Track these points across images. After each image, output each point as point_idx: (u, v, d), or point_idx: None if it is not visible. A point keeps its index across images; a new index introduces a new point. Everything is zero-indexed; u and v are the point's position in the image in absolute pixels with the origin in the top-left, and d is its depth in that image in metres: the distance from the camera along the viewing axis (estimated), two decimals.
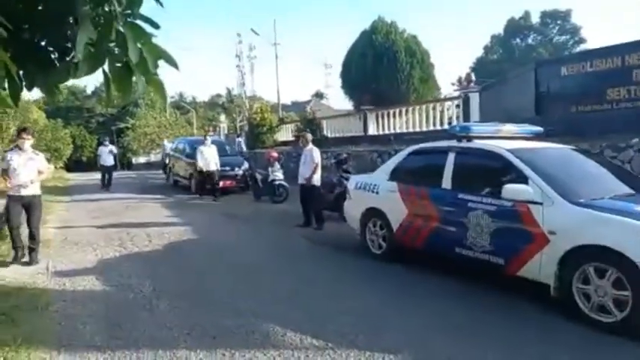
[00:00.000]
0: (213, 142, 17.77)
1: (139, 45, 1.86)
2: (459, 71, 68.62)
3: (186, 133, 36.02)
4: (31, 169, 5.84)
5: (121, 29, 1.84)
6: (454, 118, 12.03)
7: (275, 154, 12.06)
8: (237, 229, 8.25)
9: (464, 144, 5.07)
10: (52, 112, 40.13)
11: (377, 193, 5.93)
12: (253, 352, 3.32)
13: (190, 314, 4.09)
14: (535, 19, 45.16)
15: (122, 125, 42.30)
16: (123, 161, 49.78)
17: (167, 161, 17.93)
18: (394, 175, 5.81)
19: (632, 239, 3.33)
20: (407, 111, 13.42)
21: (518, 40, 45.98)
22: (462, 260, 4.74)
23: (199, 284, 5.00)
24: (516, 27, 45.28)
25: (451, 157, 5.06)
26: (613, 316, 3.44)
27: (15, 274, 5.37)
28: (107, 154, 15.71)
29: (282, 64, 58.60)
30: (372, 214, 5.98)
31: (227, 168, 13.74)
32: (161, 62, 1.84)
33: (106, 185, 15.49)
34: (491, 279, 4.62)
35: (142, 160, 36.76)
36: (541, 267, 3.93)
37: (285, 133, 19.97)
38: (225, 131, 26.14)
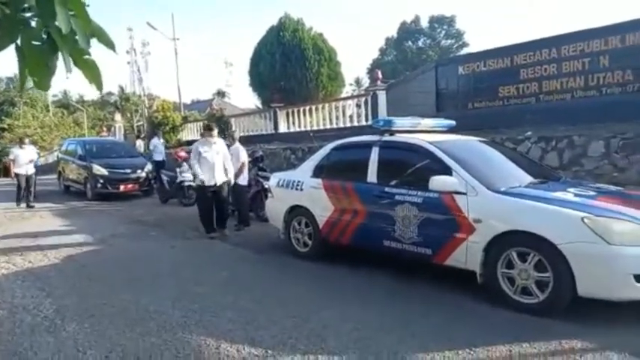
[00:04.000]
0: (109, 143, 16.33)
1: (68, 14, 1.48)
2: (357, 72, 71.01)
3: (75, 134, 33.00)
4: None
5: None
6: (362, 115, 12.31)
7: (183, 154, 11.40)
8: (145, 236, 7.60)
9: (387, 138, 5.14)
10: None
11: (301, 190, 5.79)
12: None
13: (106, 334, 3.60)
14: (424, 23, 48.21)
15: None
16: None
17: (12, 167, 11.79)
18: (318, 171, 5.73)
19: (551, 223, 3.57)
20: (317, 109, 13.49)
21: (410, 42, 48.66)
22: (390, 253, 4.78)
23: (111, 299, 4.44)
24: (408, 30, 47.92)
25: (375, 151, 5.09)
26: (535, 297, 3.66)
27: None
28: (26, 160, 11.66)
29: (180, 62, 55.96)
30: (297, 211, 5.84)
31: (128, 170, 12.79)
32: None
33: (24, 198, 11.54)
34: (421, 271, 4.73)
35: None
36: (467, 255, 4.07)
37: (190, 132, 19.07)
38: (122, 131, 24.29)
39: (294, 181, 5.93)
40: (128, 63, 24.36)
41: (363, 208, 5.01)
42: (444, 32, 48.94)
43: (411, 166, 4.78)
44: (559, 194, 3.91)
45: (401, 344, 3.27)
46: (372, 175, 5.02)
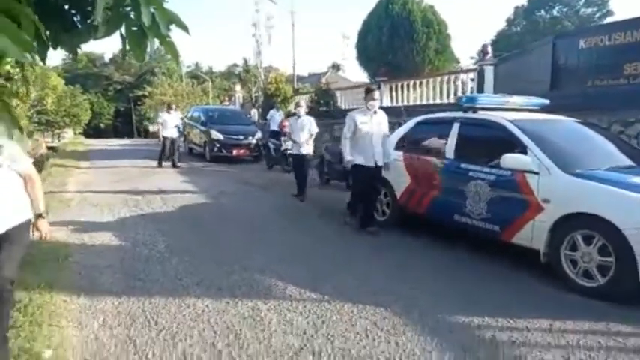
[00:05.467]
0: (228, 111, 17.84)
1: (151, 9, 2.03)
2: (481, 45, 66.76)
3: (202, 101, 36.32)
4: None
5: None
6: (468, 90, 11.96)
7: (287, 124, 12.19)
8: (248, 195, 8.51)
9: (468, 115, 5.18)
10: (70, 79, 40.63)
11: None
12: (255, 302, 3.59)
13: (200, 269, 4.37)
14: None
15: (139, 93, 42.67)
16: (140, 129, 50.60)
17: (160, 132, 13.08)
18: (400, 144, 5.96)
19: (618, 207, 3.47)
20: (421, 83, 13.36)
21: (542, 11, 44.51)
22: (460, 227, 4.91)
23: (210, 243, 5.28)
24: None
25: (455, 128, 5.18)
26: (596, 281, 3.61)
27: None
28: (172, 124, 12.72)
29: (300, 35, 57.89)
30: None
31: (241, 137, 14.03)
32: (174, 26, 2.03)
33: (167, 159, 12.53)
34: (496, 247, 4.80)
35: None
36: (533, 234, 4.09)
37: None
38: (241, 101, 26.26)
39: None
40: (253, 36, 25.50)
41: (438, 182, 5.17)
42: None
43: (487, 143, 4.82)
44: (638, 179, 3.72)
45: (448, 306, 3.51)
46: (449, 151, 5.14)
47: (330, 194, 8.64)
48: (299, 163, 8.30)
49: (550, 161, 4.09)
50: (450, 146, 5.15)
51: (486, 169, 4.58)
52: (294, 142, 8.31)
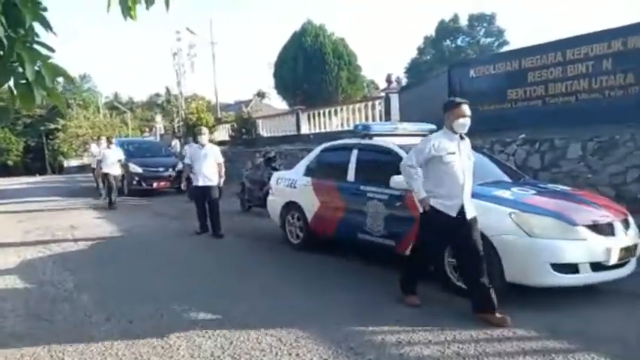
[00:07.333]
0: (146, 143, 17.51)
1: (38, 64, 2.23)
2: (398, 72, 70.77)
3: (122, 134, 35.05)
4: None
5: (20, 52, 2.19)
6: (377, 117, 12.78)
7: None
8: (163, 228, 8.47)
9: (365, 141, 5.69)
10: None
11: (294, 187, 6.44)
12: (165, 331, 3.71)
13: (111, 304, 4.37)
14: (464, 21, 47.74)
15: (52, 126, 40.23)
16: (54, 165, 47.51)
17: (99, 166, 12.31)
18: (308, 170, 6.36)
19: (484, 217, 4.01)
20: (335, 111, 14.08)
21: (448, 41, 48.32)
22: (364, 244, 5.34)
23: (122, 277, 5.27)
24: (446, 29, 47.60)
25: (354, 153, 5.66)
26: None
27: None
28: (114, 160, 11.69)
29: (227, 62, 57.98)
30: (291, 207, 6.48)
31: (161, 169, 13.86)
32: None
33: (112, 202, 11.32)
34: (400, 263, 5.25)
35: (74, 163, 35.31)
36: None
37: (223, 133, 20.12)
38: (162, 132, 25.76)
39: (289, 180, 6.58)
40: (174, 65, 25.05)
41: (342, 204, 5.59)
42: (483, 30, 48.27)
43: (381, 166, 5.30)
44: (499, 192, 4.35)
45: (348, 318, 3.84)
46: (350, 175, 5.60)
47: (249, 220, 8.85)
48: (202, 195, 7.55)
49: None
50: (350, 170, 5.61)
51: (381, 190, 5.06)
52: (196, 173, 7.56)
